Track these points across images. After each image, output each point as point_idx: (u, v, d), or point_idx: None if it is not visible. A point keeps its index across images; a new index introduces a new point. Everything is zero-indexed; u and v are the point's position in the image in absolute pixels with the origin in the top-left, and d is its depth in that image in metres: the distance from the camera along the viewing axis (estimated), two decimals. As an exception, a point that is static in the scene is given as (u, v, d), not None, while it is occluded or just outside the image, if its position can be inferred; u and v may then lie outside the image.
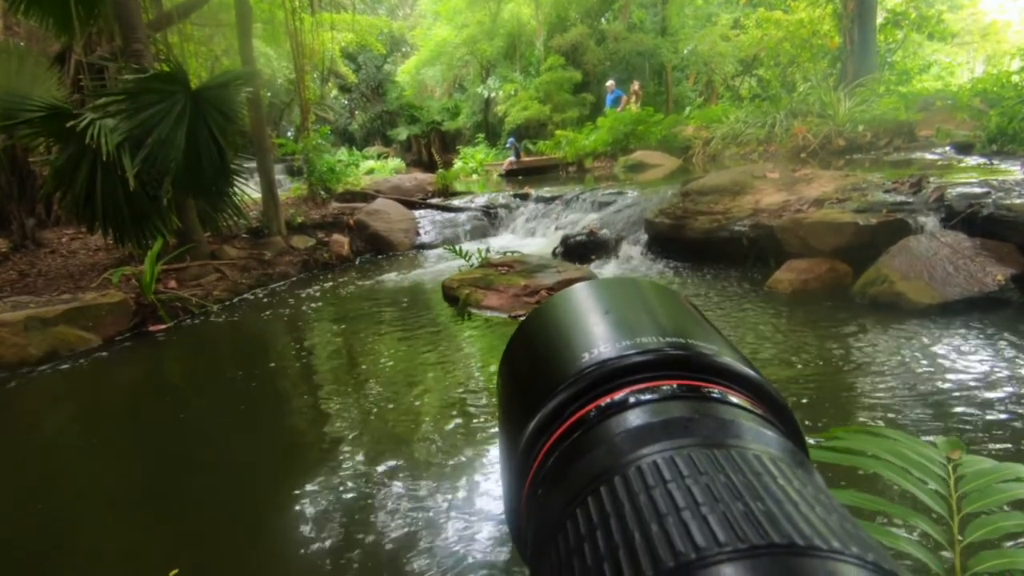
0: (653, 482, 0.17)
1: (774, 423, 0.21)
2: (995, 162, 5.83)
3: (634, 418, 0.20)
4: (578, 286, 0.31)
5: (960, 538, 0.75)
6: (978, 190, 4.17)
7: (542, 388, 0.23)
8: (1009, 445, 2.12)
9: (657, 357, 0.23)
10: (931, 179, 4.64)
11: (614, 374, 0.22)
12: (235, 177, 5.99)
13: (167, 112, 5.06)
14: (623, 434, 0.20)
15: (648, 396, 0.21)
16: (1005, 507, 0.82)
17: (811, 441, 0.94)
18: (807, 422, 2.42)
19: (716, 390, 0.22)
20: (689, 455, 0.18)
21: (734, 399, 0.21)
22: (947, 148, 7.16)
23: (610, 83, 13.30)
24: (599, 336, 0.25)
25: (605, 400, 0.22)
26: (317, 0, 10.40)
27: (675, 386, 0.22)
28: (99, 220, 5.16)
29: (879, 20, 11.40)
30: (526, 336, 0.30)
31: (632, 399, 0.21)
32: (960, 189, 4.26)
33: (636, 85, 13.13)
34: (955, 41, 16.47)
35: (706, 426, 0.19)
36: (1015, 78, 7.60)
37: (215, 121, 5.38)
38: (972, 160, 6.20)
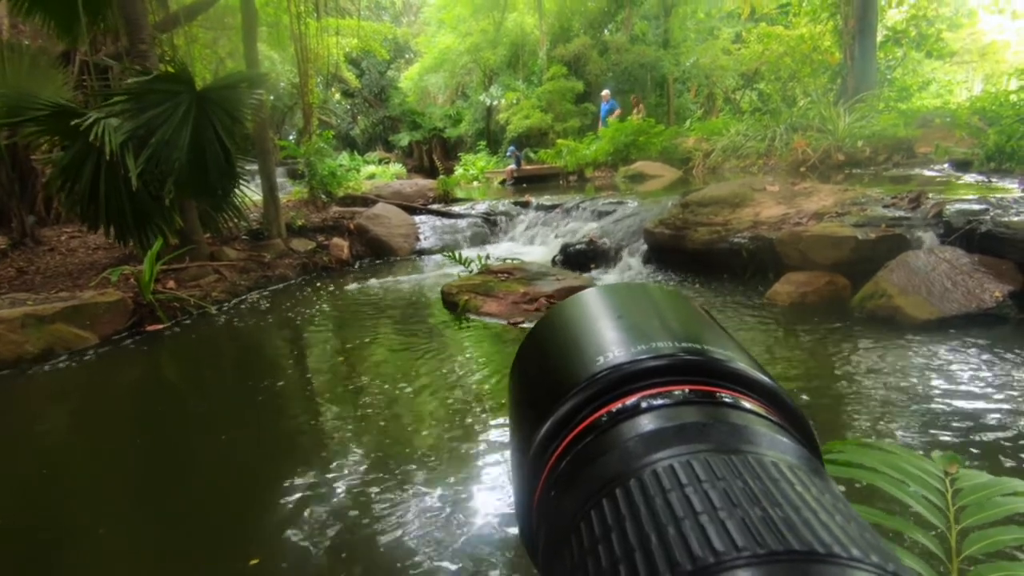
0: (669, 486, 0.17)
1: (788, 430, 0.21)
2: (993, 180, 5.87)
3: (647, 422, 0.20)
4: (589, 291, 0.31)
5: (958, 551, 0.76)
6: (976, 207, 4.19)
7: (555, 392, 0.23)
8: (1005, 460, 2.13)
9: (670, 362, 0.23)
10: (930, 195, 4.67)
11: (627, 379, 0.22)
12: (238, 179, 6.00)
13: (171, 113, 5.08)
14: (636, 438, 0.20)
15: (661, 401, 0.21)
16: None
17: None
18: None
19: (729, 396, 0.22)
20: (706, 460, 0.18)
21: (748, 405, 0.21)
22: (945, 165, 7.21)
23: (605, 93, 13.38)
24: (612, 341, 0.25)
25: (618, 404, 0.22)
26: (322, 5, 10.48)
27: (688, 391, 0.21)
28: (102, 219, 5.16)
29: (879, 37, 11.50)
30: (538, 340, 0.30)
31: (644, 404, 0.21)
32: (958, 205, 4.28)
33: (639, 105, 13.22)
34: (954, 60, 16.65)
35: (720, 431, 0.19)
36: (1013, 97, 7.68)
37: (221, 122, 5.39)
38: (970, 177, 6.24)
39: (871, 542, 0.15)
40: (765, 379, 0.23)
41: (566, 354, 0.26)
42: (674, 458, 0.18)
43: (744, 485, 0.17)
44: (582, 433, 0.22)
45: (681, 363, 0.23)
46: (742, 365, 0.23)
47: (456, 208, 9.02)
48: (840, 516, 0.16)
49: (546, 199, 8.28)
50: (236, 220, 6.37)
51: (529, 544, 0.23)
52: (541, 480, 0.22)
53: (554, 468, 0.22)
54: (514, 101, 16.18)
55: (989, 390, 2.69)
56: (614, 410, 0.21)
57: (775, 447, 0.19)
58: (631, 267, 5.80)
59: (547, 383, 0.25)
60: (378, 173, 14.08)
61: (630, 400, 0.22)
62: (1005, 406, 2.52)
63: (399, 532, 1.95)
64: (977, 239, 3.93)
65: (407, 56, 21.07)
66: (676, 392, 0.21)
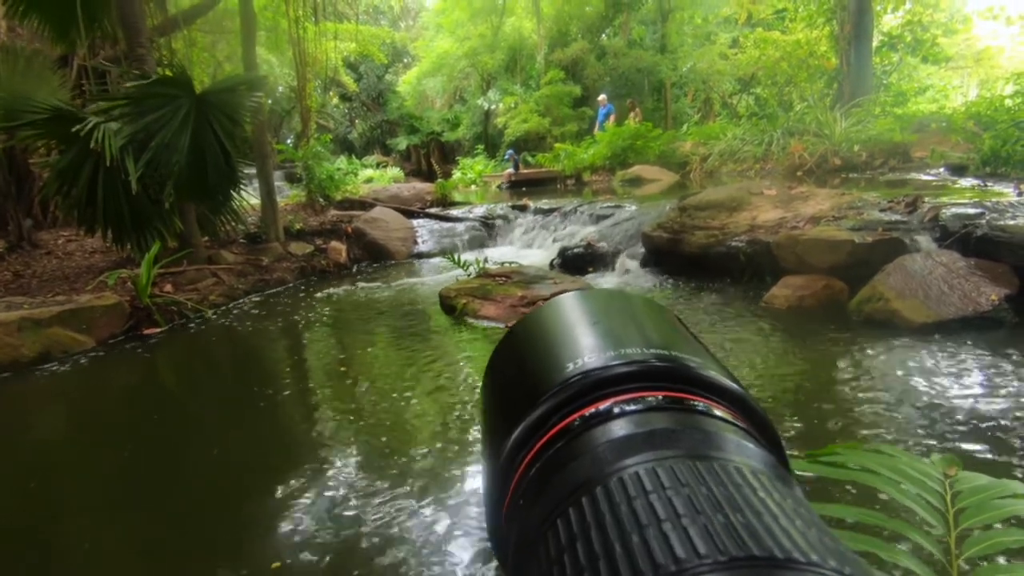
0: (634, 493, 0.17)
1: (756, 436, 0.22)
2: (989, 184, 5.90)
3: (618, 428, 0.20)
4: (565, 296, 0.31)
5: (958, 553, 0.76)
6: (972, 211, 4.21)
7: (527, 397, 0.24)
8: (1002, 463, 2.13)
9: (642, 368, 0.23)
10: (926, 199, 4.69)
11: (599, 384, 0.23)
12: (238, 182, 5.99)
13: (171, 116, 5.07)
14: (606, 444, 0.20)
15: (632, 407, 0.21)
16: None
17: (802, 455, 0.94)
18: (801, 438, 2.42)
19: (700, 402, 0.22)
20: (671, 467, 0.18)
21: (717, 412, 0.22)
22: (941, 169, 7.24)
23: (602, 97, 13.45)
24: (585, 346, 0.25)
25: (589, 410, 0.22)
26: (321, 9, 10.50)
27: (659, 397, 0.22)
28: (100, 222, 5.15)
29: (875, 43, 11.57)
30: (512, 344, 0.30)
31: (616, 409, 0.21)
32: (955, 209, 4.30)
33: (635, 110, 13.30)
34: (949, 65, 16.76)
35: (689, 438, 0.20)
36: (1008, 102, 7.72)
37: (221, 125, 5.39)
38: (966, 182, 6.27)
39: (829, 546, 0.15)
40: (734, 386, 0.23)
41: (539, 359, 0.26)
42: (641, 465, 0.18)
43: (708, 491, 0.17)
44: (553, 438, 0.22)
45: (652, 369, 0.23)
46: (712, 372, 0.23)
47: (454, 212, 9.03)
48: (800, 521, 0.16)
49: (544, 203, 8.29)
50: (234, 223, 6.36)
51: (499, 552, 0.23)
52: (511, 487, 0.22)
53: (524, 475, 0.22)
54: (512, 105, 16.24)
55: (986, 393, 2.70)
56: (586, 415, 0.22)
57: (741, 453, 0.19)
58: (629, 270, 5.81)
59: (519, 388, 0.25)
60: (376, 177, 14.09)
61: (602, 405, 0.22)
62: (1002, 408, 2.53)
63: (386, 537, 1.94)
64: (973, 243, 3.94)
65: (405, 60, 21.13)
66: (648, 398, 0.22)
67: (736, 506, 0.16)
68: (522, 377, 0.26)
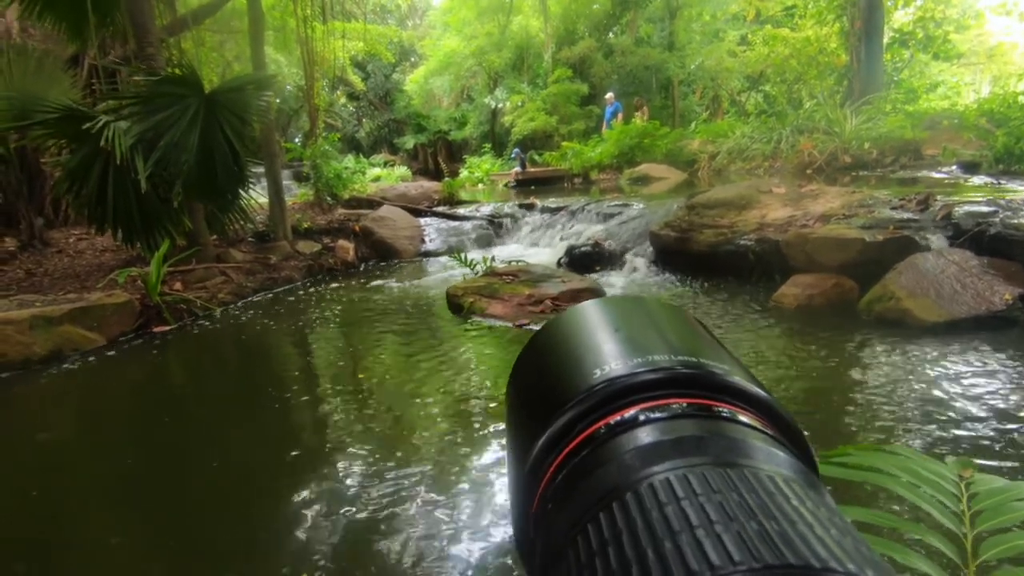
0: (666, 499, 0.17)
1: (785, 444, 0.22)
2: (1002, 182, 5.83)
3: (644, 436, 0.20)
4: (587, 304, 0.31)
5: (975, 555, 0.75)
6: (985, 209, 4.16)
7: (552, 404, 0.24)
8: (1016, 464, 2.10)
9: (668, 375, 0.23)
10: (938, 197, 4.64)
11: (625, 391, 0.22)
12: (246, 181, 6.02)
13: (180, 115, 5.10)
14: (633, 451, 0.20)
15: (658, 414, 0.21)
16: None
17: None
18: (810, 438, 2.40)
19: (727, 409, 0.22)
20: (703, 473, 0.18)
21: (744, 419, 0.21)
22: (953, 167, 7.17)
23: (609, 95, 13.40)
24: (610, 353, 0.25)
25: (615, 417, 0.22)
26: (328, 8, 10.52)
27: (686, 404, 0.22)
28: (109, 221, 5.19)
29: (886, 39, 11.46)
30: (536, 352, 0.30)
31: (642, 417, 0.21)
32: (967, 207, 4.25)
33: (642, 108, 13.23)
34: (961, 62, 16.58)
35: (717, 445, 0.19)
36: (1022, 99, 7.62)
37: (230, 124, 5.41)
38: (978, 179, 6.20)
39: (867, 556, 0.15)
40: (761, 392, 0.23)
41: (564, 366, 0.26)
42: (671, 471, 0.18)
43: (740, 499, 0.17)
44: (579, 446, 0.22)
45: (678, 376, 0.23)
46: (739, 379, 0.23)
47: (461, 210, 9.04)
48: (836, 530, 0.16)
49: (551, 201, 8.28)
50: (242, 222, 6.39)
51: (526, 558, 0.23)
52: (538, 493, 0.22)
53: (551, 481, 0.22)
54: (519, 104, 16.22)
55: (1001, 393, 2.66)
56: (612, 423, 0.22)
57: (771, 460, 0.19)
58: (637, 269, 5.79)
59: (544, 395, 0.25)
60: (383, 175, 14.14)
61: (628, 413, 0.22)
62: (1017, 408, 2.49)
63: (396, 540, 1.94)
64: (986, 241, 3.90)
65: (412, 59, 21.17)
66: (674, 405, 0.22)
67: (770, 514, 0.16)
68: (546, 385, 0.26)
